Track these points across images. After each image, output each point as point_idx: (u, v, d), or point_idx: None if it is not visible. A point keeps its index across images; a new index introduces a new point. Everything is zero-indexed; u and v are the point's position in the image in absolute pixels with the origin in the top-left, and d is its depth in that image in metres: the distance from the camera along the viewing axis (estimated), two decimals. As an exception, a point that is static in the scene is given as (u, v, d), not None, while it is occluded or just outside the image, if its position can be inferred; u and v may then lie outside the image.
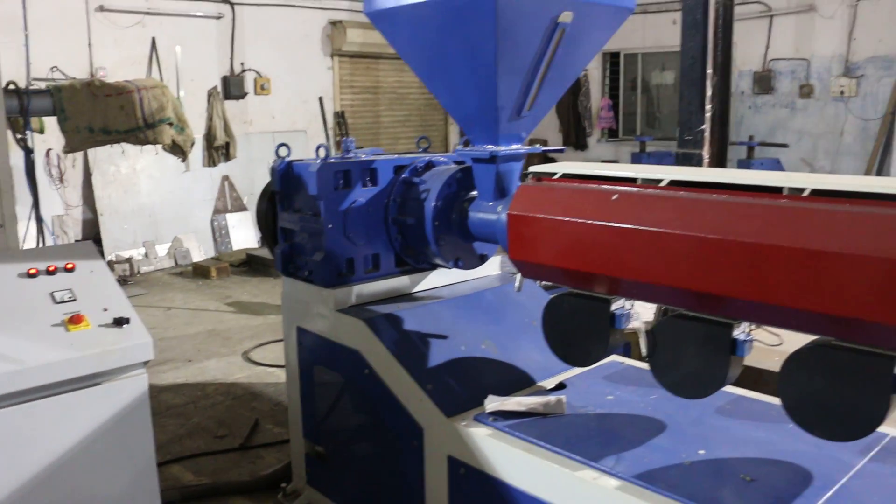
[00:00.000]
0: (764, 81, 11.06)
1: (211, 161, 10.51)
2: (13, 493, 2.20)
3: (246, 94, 10.92)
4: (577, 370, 3.13)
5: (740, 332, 2.27)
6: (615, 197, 2.44)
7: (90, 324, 2.38)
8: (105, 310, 2.46)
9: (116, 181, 9.58)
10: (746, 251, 2.05)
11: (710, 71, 4.05)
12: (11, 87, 5.06)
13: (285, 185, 3.39)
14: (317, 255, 3.25)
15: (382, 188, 3.34)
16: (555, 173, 2.72)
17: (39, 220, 5.76)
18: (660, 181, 2.42)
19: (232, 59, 10.67)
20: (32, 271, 2.53)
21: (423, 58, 3.01)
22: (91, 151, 9.13)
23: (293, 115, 11.62)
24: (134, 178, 9.73)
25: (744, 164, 9.73)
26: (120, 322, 2.41)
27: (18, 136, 5.06)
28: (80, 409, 2.33)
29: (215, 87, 10.51)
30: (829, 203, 1.98)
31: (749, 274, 2.06)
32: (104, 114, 5.25)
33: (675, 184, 2.39)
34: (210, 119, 10.44)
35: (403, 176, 3.34)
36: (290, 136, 11.43)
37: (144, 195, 9.87)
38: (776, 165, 10.01)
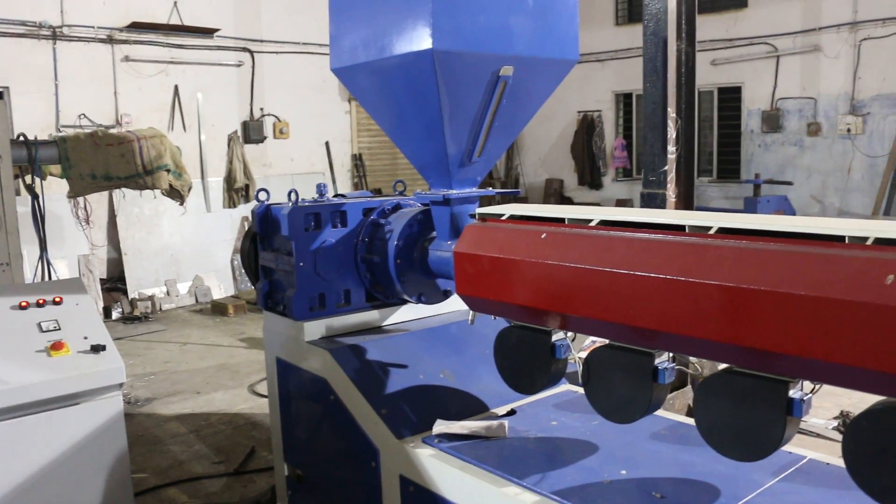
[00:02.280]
0: (772, 120, 11.22)
1: (231, 202, 10.94)
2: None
3: (265, 137, 11.38)
4: (531, 398, 3.33)
5: (662, 360, 2.46)
6: (543, 236, 2.67)
7: (70, 350, 2.67)
8: (85, 338, 2.75)
9: (140, 222, 10.02)
10: (653, 285, 2.25)
11: (673, 115, 4.27)
12: (21, 138, 5.51)
13: (264, 226, 3.68)
14: (289, 291, 3.52)
15: (352, 229, 3.60)
16: (502, 214, 2.95)
17: (47, 261, 6.16)
18: (590, 221, 2.64)
19: (252, 104, 11.16)
20: (24, 304, 2.83)
21: (382, 110, 3.30)
22: (116, 195, 9.61)
23: (311, 158, 12.05)
24: (157, 219, 10.17)
25: (750, 202, 9.87)
26: (97, 349, 2.69)
27: (27, 182, 5.48)
28: (60, 426, 2.60)
29: (235, 132, 10.99)
30: (731, 240, 2.16)
31: (658, 306, 2.26)
32: (105, 162, 5.67)
33: (604, 223, 2.61)
34: (230, 162, 10.91)
35: (372, 217, 3.60)
36: (308, 178, 11.86)
37: (167, 235, 10.30)
38: (784, 203, 10.13)
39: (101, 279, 9.67)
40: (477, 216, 3.02)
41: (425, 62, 2.80)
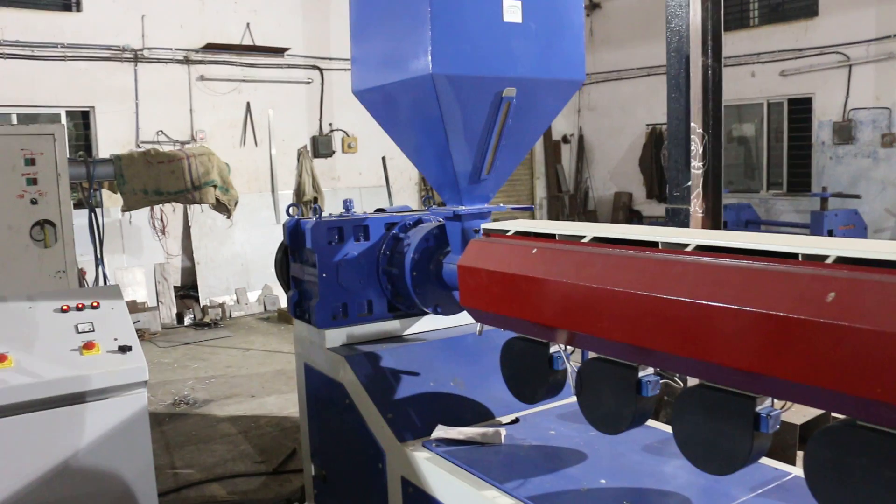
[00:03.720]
0: (844, 131, 10.87)
1: (300, 215, 11.34)
2: (30, 486, 2.75)
3: (334, 152, 11.77)
4: (537, 407, 3.43)
5: (646, 373, 2.55)
6: (534, 251, 2.79)
7: (100, 350, 2.95)
8: (115, 339, 3.02)
9: (213, 233, 10.54)
10: (622, 300, 2.34)
11: (699, 130, 4.31)
12: (80, 157, 5.99)
13: (293, 239, 3.92)
14: (313, 300, 3.73)
15: (374, 242, 3.79)
16: (507, 230, 3.07)
17: (103, 273, 6.64)
18: (582, 237, 2.75)
19: (321, 120, 11.58)
20: (65, 308, 3.14)
21: (396, 132, 3.48)
22: (190, 206, 10.14)
23: (378, 172, 12.37)
24: (228, 230, 10.65)
25: (817, 216, 9.59)
26: (124, 349, 2.96)
27: (85, 195, 5.96)
28: (88, 419, 2.87)
29: (305, 146, 11.41)
30: (708, 257, 2.21)
31: (628, 321, 2.35)
32: (157, 178, 6.10)
33: (597, 240, 2.70)
34: (300, 176, 11.33)
35: (393, 232, 3.79)
36: (376, 191, 12.20)
37: (238, 245, 10.79)
38: (854, 216, 9.80)
39: (175, 287, 10.21)
40: (482, 231, 3.16)
41: (426, 86, 2.96)
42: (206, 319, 9.94)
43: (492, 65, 3.07)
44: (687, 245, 2.33)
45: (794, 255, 2.02)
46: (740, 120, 12.64)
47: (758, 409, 2.19)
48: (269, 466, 5.04)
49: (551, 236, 2.81)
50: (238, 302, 10.62)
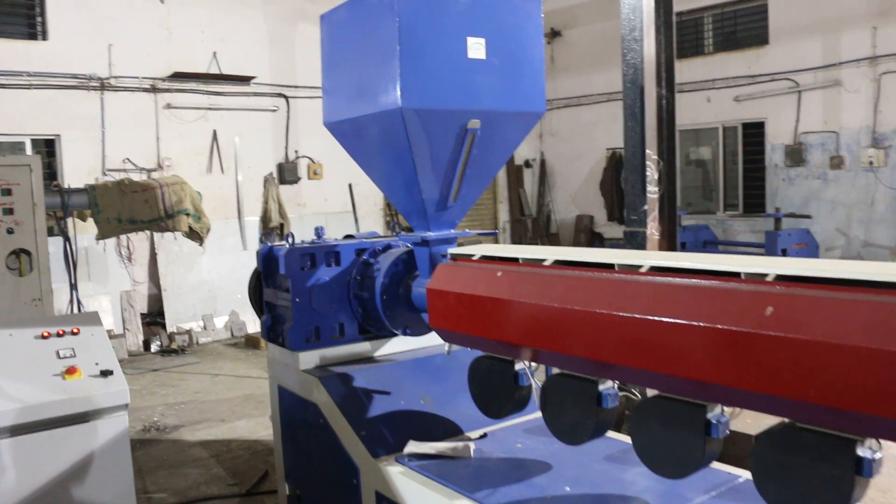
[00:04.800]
0: (795, 154, 11.31)
1: (271, 242, 11.41)
2: (14, 509, 2.82)
3: (300, 178, 11.87)
4: (504, 422, 3.59)
5: (606, 387, 2.71)
6: (499, 274, 2.95)
7: (82, 374, 3.04)
8: (96, 364, 3.11)
9: (179, 260, 10.56)
10: (587, 319, 2.51)
11: (655, 157, 4.54)
12: (55, 187, 6.07)
13: (267, 265, 4.04)
14: (287, 324, 3.86)
15: (345, 268, 3.94)
16: (472, 255, 3.24)
17: (77, 299, 6.67)
18: (543, 260, 2.92)
19: (287, 147, 11.69)
20: (45, 334, 3.22)
21: (367, 160, 3.64)
22: (161, 233, 10.16)
23: (344, 198, 12.49)
24: (195, 256, 10.68)
25: (771, 236, 9.93)
26: (105, 373, 3.05)
27: (61, 226, 6.03)
28: (71, 442, 2.96)
29: (271, 173, 11.51)
30: (660, 277, 2.39)
31: (586, 337, 2.52)
32: (131, 207, 6.20)
33: (557, 263, 2.88)
34: (266, 202, 11.41)
35: (363, 257, 3.93)
36: (341, 217, 12.31)
37: (205, 272, 10.81)
38: (806, 236, 10.16)
39: (141, 314, 10.19)
40: (449, 255, 3.32)
41: (395, 119, 3.13)
42: (174, 346, 9.94)
43: (457, 99, 3.25)
44: (640, 266, 2.52)
45: (736, 274, 2.21)
46: (698, 144, 13.05)
47: (708, 416, 2.36)
48: (242, 488, 5.11)
49: (515, 260, 2.97)
50: (205, 328, 10.63)
